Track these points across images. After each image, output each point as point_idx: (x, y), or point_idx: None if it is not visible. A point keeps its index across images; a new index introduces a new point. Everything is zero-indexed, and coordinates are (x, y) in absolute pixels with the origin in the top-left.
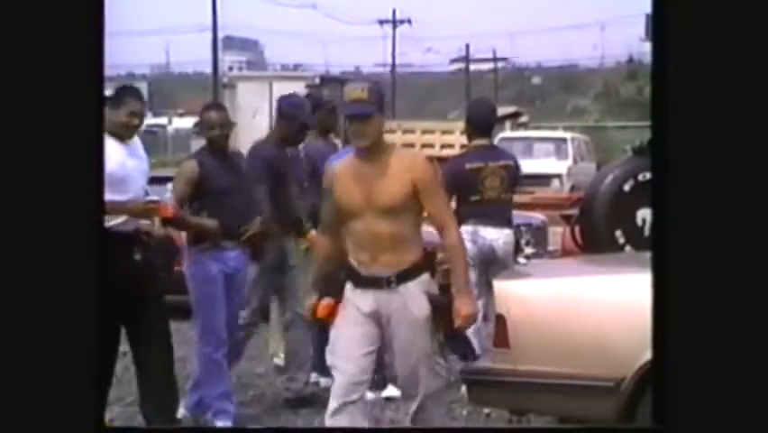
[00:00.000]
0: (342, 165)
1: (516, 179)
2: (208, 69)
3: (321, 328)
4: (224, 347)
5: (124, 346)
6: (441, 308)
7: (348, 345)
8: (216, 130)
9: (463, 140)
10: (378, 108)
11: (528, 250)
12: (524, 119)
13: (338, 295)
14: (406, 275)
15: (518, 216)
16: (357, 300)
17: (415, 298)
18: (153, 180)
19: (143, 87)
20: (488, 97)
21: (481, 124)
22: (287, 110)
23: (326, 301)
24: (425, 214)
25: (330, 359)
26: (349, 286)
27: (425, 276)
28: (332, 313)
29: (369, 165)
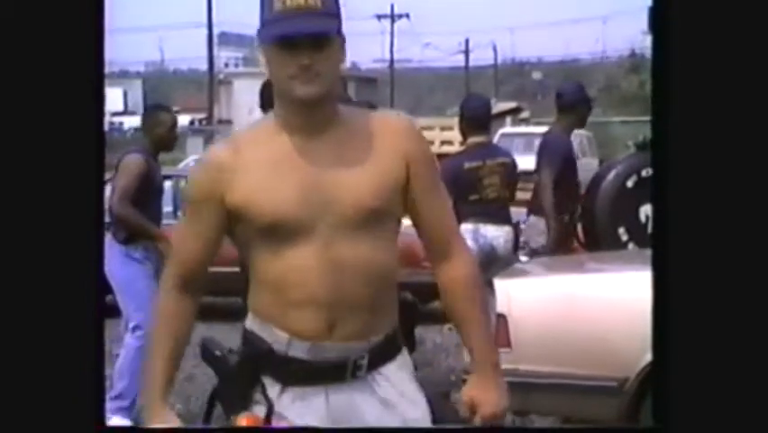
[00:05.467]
0: (243, 146)
1: (514, 176)
2: (204, 66)
3: None
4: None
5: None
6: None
7: None
8: (163, 130)
9: None
10: (339, 22)
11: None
12: (524, 115)
13: (249, 401)
14: (383, 351)
15: (519, 212)
16: (293, 415)
17: (400, 389)
18: None
19: (137, 85)
20: (480, 93)
21: (476, 121)
22: (570, 99)
23: (245, 418)
24: (411, 219)
25: None
26: (273, 386)
27: (405, 351)
28: None
29: (312, 139)
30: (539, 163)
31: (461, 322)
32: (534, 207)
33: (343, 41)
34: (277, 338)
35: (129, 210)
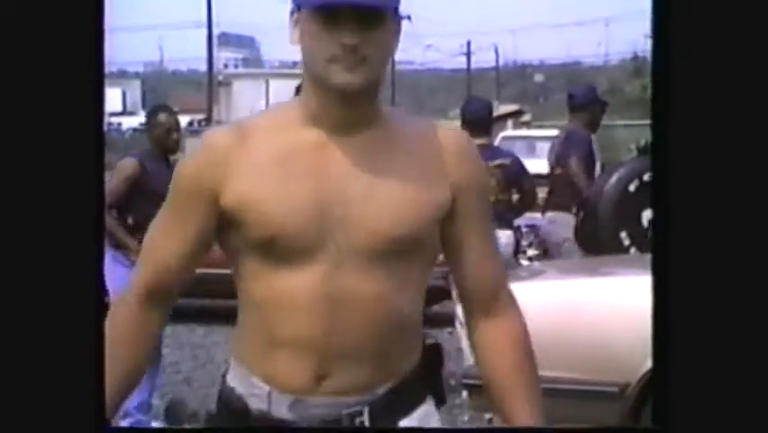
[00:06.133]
0: (254, 133)
1: (514, 177)
2: (203, 67)
3: None
4: None
5: None
6: None
7: None
8: (160, 132)
9: None
10: (398, 1)
11: (531, 252)
12: (526, 117)
13: None
14: (392, 404)
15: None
16: None
17: None
18: None
19: (136, 85)
20: (481, 95)
21: (476, 123)
22: (582, 100)
23: None
24: (448, 262)
25: None
26: None
27: (430, 401)
28: None
29: (342, 139)
30: (565, 155)
31: (499, 393)
32: (554, 203)
33: (400, 22)
34: (255, 391)
35: (106, 216)
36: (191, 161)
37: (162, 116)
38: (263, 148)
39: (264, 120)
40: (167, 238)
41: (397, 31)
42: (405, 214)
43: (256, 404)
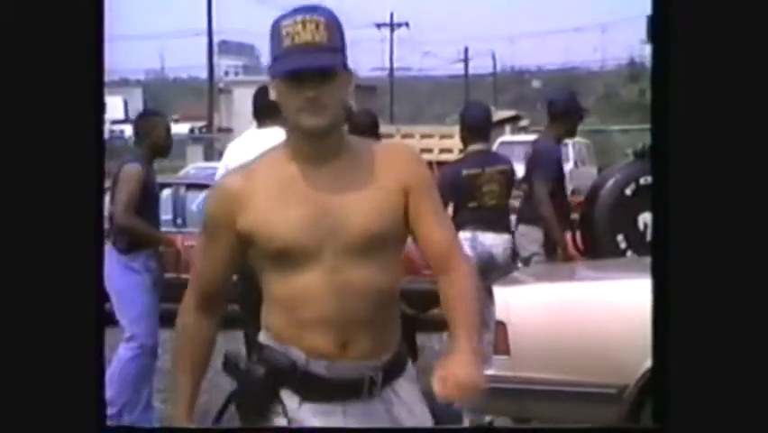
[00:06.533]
0: (255, 172)
1: (513, 183)
2: (204, 74)
3: None
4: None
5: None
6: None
7: None
8: (161, 133)
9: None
10: (343, 57)
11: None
12: (524, 123)
13: (265, 412)
14: (393, 367)
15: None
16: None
17: (409, 407)
18: None
19: (138, 93)
20: (481, 101)
21: (476, 128)
22: (563, 107)
23: None
24: (413, 239)
25: None
26: (291, 398)
27: (410, 364)
28: None
29: (320, 168)
30: (532, 176)
31: (453, 326)
32: (524, 216)
33: (350, 73)
34: (295, 357)
35: (134, 220)
36: (213, 200)
37: (158, 119)
38: (263, 183)
39: (261, 162)
40: (205, 258)
41: (348, 79)
42: (377, 214)
43: (299, 363)
